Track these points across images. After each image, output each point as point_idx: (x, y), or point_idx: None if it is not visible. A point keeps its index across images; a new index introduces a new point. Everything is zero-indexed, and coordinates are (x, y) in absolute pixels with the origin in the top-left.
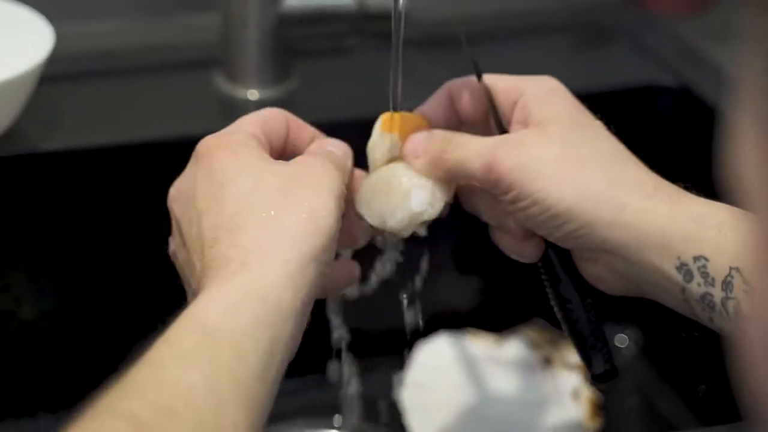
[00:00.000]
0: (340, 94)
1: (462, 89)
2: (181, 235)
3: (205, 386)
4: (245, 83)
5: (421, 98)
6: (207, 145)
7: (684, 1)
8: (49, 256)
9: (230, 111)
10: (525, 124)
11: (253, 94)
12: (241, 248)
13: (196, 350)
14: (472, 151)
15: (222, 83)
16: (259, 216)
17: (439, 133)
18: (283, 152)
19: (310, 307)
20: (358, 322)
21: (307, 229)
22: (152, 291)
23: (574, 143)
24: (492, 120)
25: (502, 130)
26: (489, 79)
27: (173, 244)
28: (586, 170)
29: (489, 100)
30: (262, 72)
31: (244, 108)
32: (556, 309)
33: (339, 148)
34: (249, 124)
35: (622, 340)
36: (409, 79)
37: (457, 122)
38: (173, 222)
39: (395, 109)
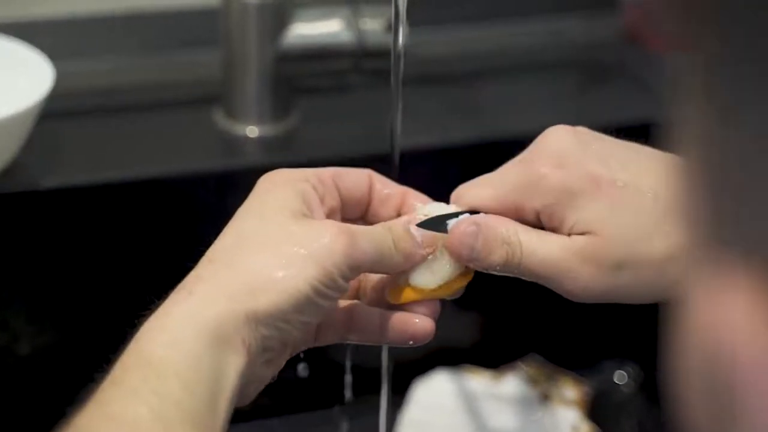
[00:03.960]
0: (340, 131)
1: None
2: None
3: (152, 418)
4: (245, 120)
5: (420, 135)
6: (265, 176)
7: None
8: (48, 293)
9: (230, 148)
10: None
11: (252, 131)
12: (197, 278)
13: (141, 385)
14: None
15: (222, 120)
16: (234, 256)
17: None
18: (366, 212)
19: (265, 355)
20: (356, 359)
21: (267, 287)
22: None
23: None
24: None
25: None
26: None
27: None
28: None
29: None
30: (261, 109)
31: (244, 145)
32: None
33: (421, 234)
34: (314, 171)
35: (621, 376)
36: (409, 115)
37: None
38: None
39: (393, 146)
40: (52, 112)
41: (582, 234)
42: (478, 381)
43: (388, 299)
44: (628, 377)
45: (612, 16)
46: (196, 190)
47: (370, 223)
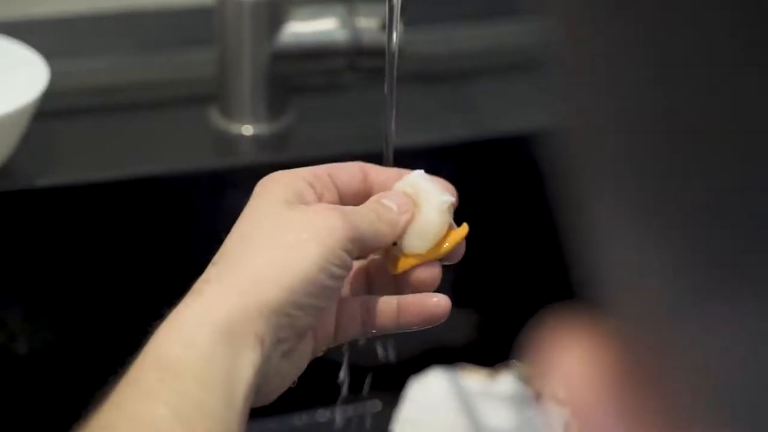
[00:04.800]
0: (335, 129)
1: None
2: None
3: (172, 417)
4: (240, 119)
5: (415, 133)
6: (260, 180)
7: None
8: (45, 292)
9: (225, 146)
10: None
11: (247, 130)
12: (204, 281)
13: (158, 385)
14: None
15: (217, 119)
16: (237, 255)
17: None
18: (362, 200)
19: (280, 347)
20: (352, 359)
21: (275, 275)
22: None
23: None
24: None
25: None
26: None
27: None
28: None
29: None
30: (256, 108)
31: (239, 143)
32: None
33: (395, 203)
34: (309, 169)
35: None
36: (403, 114)
37: None
38: None
39: (387, 144)
40: (48, 111)
41: None
42: (473, 379)
43: (390, 271)
44: None
45: None
46: (191, 189)
47: None
